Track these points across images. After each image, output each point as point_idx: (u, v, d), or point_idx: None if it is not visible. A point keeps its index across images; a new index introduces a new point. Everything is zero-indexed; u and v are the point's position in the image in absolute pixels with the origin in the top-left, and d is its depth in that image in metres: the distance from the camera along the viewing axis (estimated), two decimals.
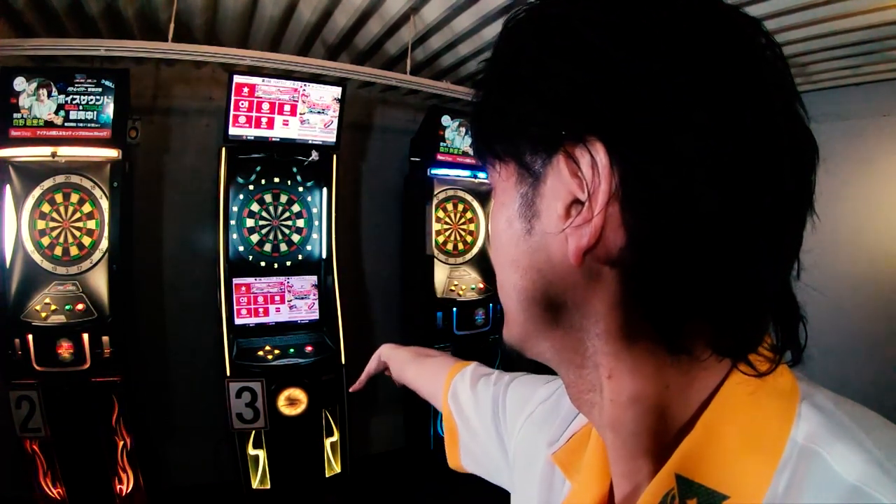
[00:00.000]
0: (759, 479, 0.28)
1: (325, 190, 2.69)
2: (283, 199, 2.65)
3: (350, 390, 0.98)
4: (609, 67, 0.29)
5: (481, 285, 3.14)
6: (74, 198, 2.22)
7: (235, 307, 2.47)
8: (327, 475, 2.55)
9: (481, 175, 3.09)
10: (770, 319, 0.32)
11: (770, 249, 0.29)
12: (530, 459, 0.52)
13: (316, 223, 2.72)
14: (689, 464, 0.30)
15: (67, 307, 2.16)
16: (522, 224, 0.34)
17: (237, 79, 2.35)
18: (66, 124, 2.14)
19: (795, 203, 0.30)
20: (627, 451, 0.35)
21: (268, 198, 2.62)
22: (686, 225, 0.28)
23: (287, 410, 2.39)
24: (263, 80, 2.40)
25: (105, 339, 2.14)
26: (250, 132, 2.44)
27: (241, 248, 2.55)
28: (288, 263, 2.65)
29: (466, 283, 3.12)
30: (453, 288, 3.07)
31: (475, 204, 3.22)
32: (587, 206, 0.30)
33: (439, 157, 2.96)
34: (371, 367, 0.96)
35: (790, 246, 0.31)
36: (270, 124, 2.47)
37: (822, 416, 0.29)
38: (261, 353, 2.42)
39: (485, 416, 0.64)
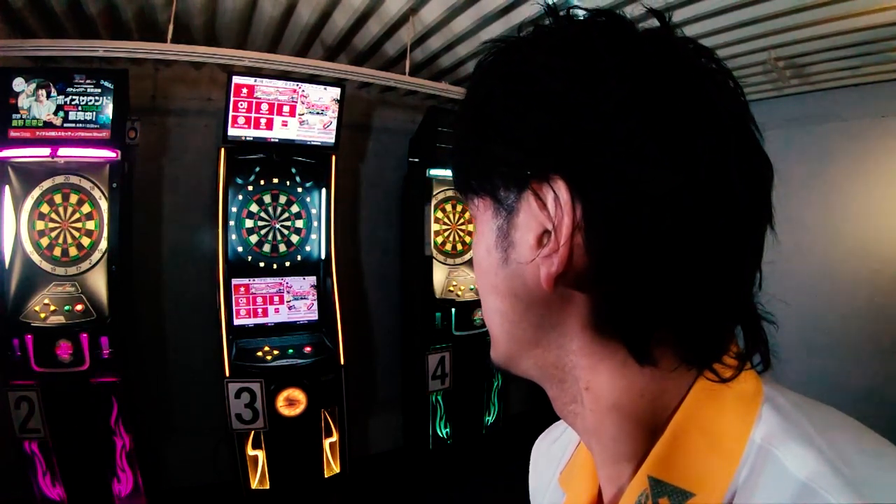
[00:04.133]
0: (721, 477, 0.30)
1: (323, 190, 2.70)
2: (282, 199, 2.66)
3: None
4: (566, 110, 0.31)
5: None
6: (73, 198, 2.22)
7: (234, 308, 2.47)
8: (326, 476, 2.55)
9: None
10: (732, 330, 0.34)
11: (727, 266, 0.32)
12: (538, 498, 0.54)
13: (315, 224, 2.72)
14: (660, 465, 0.33)
15: (66, 308, 2.16)
16: (499, 253, 0.37)
17: (236, 79, 2.35)
18: (65, 125, 2.13)
19: (752, 220, 0.32)
20: (610, 456, 0.37)
21: (267, 198, 2.62)
22: (645, 250, 0.30)
23: (286, 411, 2.39)
24: (262, 81, 2.40)
25: (104, 339, 2.14)
26: (249, 133, 2.44)
27: (240, 249, 2.56)
28: (287, 264, 2.65)
29: (465, 283, 3.12)
30: (452, 288, 3.07)
31: None
32: (554, 238, 0.33)
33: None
34: None
35: (749, 261, 0.33)
36: (269, 125, 2.47)
37: (780, 417, 0.31)
38: (260, 353, 2.42)
39: None
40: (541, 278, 0.33)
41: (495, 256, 0.37)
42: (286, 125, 2.50)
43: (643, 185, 0.30)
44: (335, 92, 2.56)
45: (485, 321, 0.41)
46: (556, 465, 0.52)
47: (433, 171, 2.97)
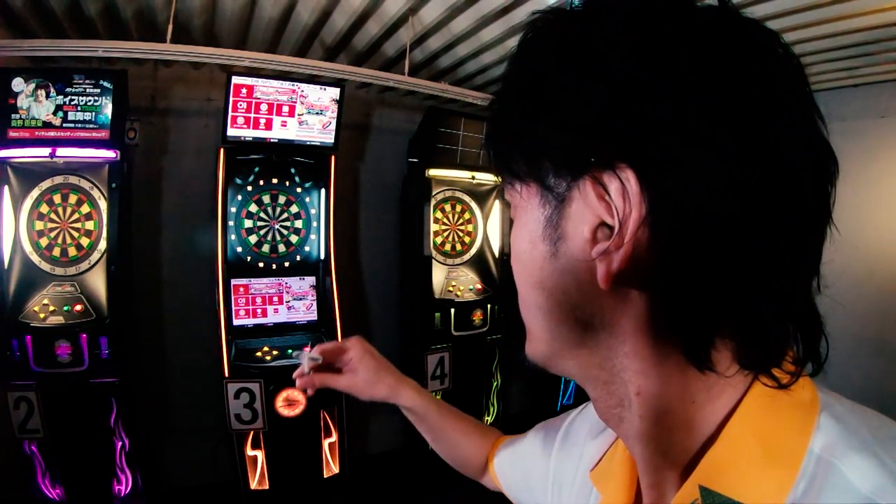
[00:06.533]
0: (778, 489, 0.29)
1: (323, 191, 2.69)
2: (282, 199, 2.66)
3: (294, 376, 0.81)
4: (633, 90, 0.28)
5: (479, 286, 3.14)
6: (73, 198, 2.22)
7: (234, 308, 2.47)
8: (325, 476, 2.55)
9: (479, 176, 3.10)
10: (791, 332, 0.32)
11: (793, 264, 0.30)
12: (564, 480, 0.53)
13: (314, 224, 2.72)
14: (712, 475, 0.31)
15: (66, 308, 2.16)
16: (547, 246, 0.33)
17: (235, 80, 2.35)
18: (64, 125, 2.13)
19: (816, 217, 0.31)
20: (655, 462, 0.35)
21: (266, 199, 2.62)
22: (714, 246, 0.28)
23: (285, 411, 2.39)
24: (261, 81, 2.40)
25: (103, 340, 2.14)
26: (248, 133, 2.44)
27: (239, 249, 2.56)
28: (286, 264, 2.65)
29: (464, 283, 3.12)
30: (451, 288, 3.07)
31: (473, 205, 3.23)
32: (618, 233, 0.30)
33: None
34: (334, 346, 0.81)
35: (812, 259, 0.31)
36: (269, 125, 2.47)
37: (839, 427, 0.30)
38: (259, 353, 2.42)
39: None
40: (598, 276, 0.31)
41: (541, 249, 0.34)
42: (285, 125, 2.50)
43: (718, 177, 0.28)
44: (334, 92, 2.56)
45: (522, 316, 0.38)
46: (581, 448, 0.50)
47: (432, 172, 2.97)
